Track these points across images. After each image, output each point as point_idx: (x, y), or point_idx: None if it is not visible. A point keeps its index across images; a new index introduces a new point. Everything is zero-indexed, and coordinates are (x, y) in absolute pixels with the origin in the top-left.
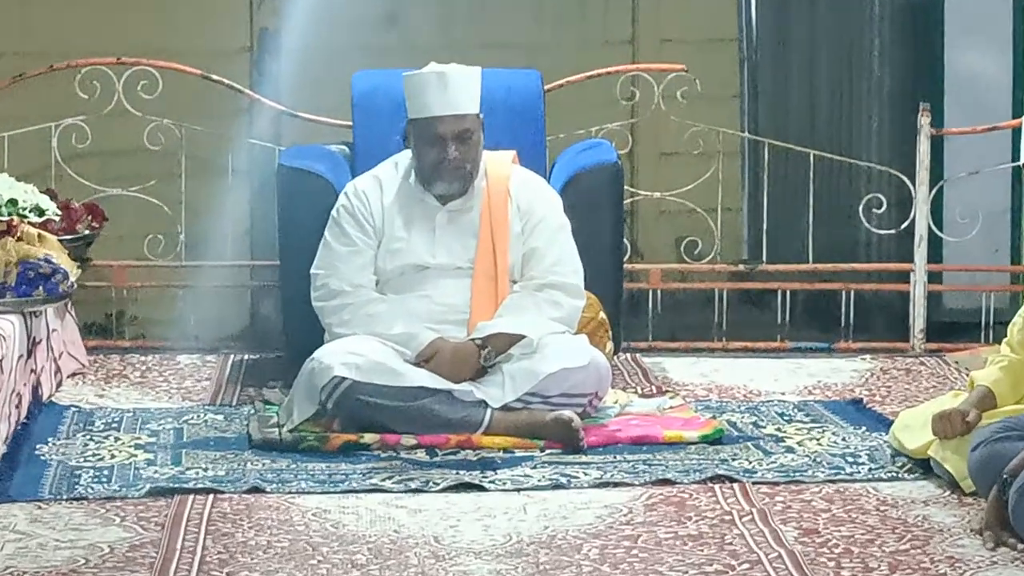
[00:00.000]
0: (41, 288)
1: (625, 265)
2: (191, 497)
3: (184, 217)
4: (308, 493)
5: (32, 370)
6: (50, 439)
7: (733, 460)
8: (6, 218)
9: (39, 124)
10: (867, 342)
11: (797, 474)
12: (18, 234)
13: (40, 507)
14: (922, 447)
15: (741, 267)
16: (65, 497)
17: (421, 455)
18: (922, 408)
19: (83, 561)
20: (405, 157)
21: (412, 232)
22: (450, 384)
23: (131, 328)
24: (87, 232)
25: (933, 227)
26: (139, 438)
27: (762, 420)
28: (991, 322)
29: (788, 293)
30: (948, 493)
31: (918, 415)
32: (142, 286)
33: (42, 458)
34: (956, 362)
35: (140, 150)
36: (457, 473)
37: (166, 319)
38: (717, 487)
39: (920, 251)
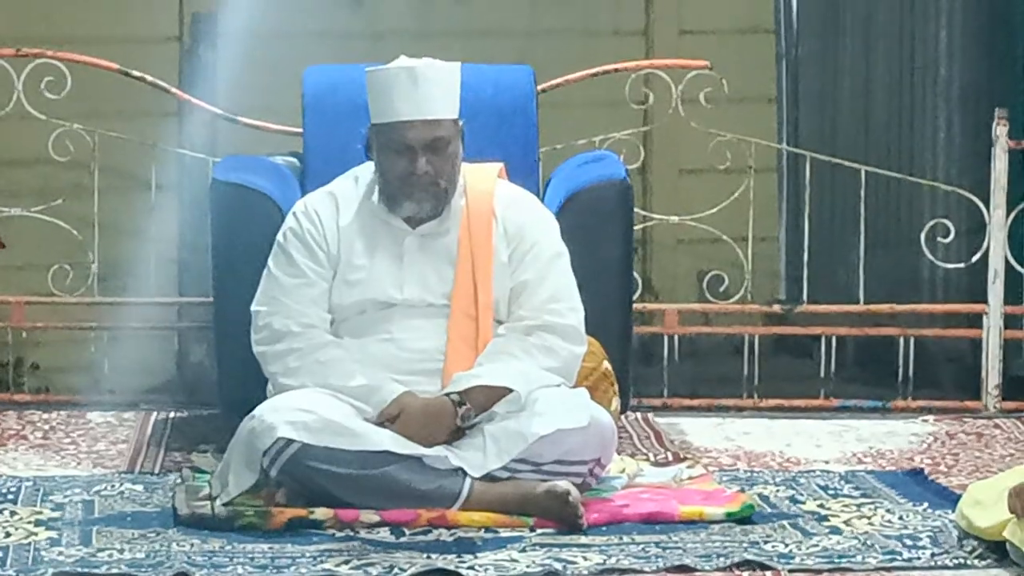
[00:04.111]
0: None
1: (635, 305)
2: None
3: (97, 243)
4: None
5: None
6: None
7: (765, 543)
8: None
9: None
10: (930, 400)
11: (844, 560)
12: None
13: None
14: (996, 527)
15: (777, 308)
16: None
17: (384, 534)
18: (996, 480)
19: None
20: (367, 170)
21: (375, 261)
22: (420, 448)
23: (32, 379)
24: None
25: (1012, 260)
26: (40, 512)
27: (801, 494)
28: None
29: (834, 340)
30: None
31: (992, 488)
32: (45, 327)
33: None
34: None
35: (44, 161)
36: (428, 557)
37: (75, 367)
38: (746, 575)
39: (995, 289)
